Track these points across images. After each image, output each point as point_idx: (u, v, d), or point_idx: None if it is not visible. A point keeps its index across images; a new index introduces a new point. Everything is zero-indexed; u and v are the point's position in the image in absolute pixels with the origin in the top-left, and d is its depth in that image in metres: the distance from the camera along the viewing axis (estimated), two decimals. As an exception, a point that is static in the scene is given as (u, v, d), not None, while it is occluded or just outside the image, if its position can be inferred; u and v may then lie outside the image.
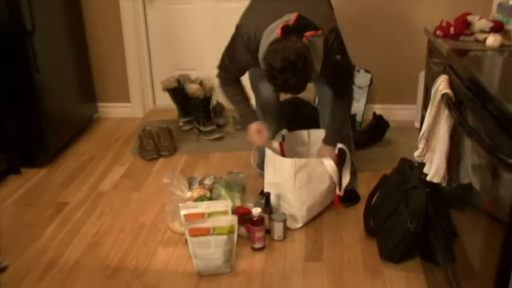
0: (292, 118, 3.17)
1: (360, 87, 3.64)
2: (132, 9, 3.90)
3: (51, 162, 3.40)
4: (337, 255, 2.42)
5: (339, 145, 2.61)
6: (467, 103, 1.67)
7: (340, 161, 2.62)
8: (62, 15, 3.58)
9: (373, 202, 2.59)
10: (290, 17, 2.21)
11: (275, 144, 2.70)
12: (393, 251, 2.30)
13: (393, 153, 3.29)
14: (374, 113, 3.52)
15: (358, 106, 3.66)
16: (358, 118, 3.65)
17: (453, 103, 1.71)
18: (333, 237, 2.55)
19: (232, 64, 2.52)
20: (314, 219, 2.67)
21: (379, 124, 3.45)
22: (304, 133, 2.86)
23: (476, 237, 1.60)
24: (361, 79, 3.64)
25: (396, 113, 3.77)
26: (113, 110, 4.17)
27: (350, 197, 2.81)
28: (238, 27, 2.44)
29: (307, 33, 2.16)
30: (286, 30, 2.16)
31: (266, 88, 2.61)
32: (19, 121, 3.24)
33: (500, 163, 1.33)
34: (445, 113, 1.76)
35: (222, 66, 2.59)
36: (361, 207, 2.66)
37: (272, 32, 2.21)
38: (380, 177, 2.61)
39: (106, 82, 4.10)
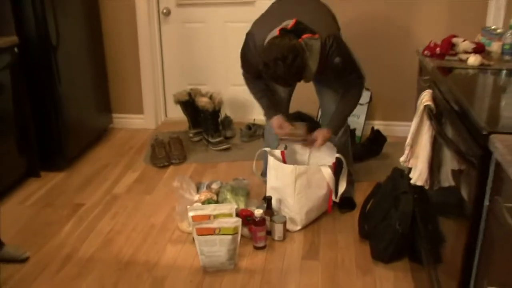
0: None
1: (360, 104, 3.85)
2: (148, 27, 4.16)
3: (68, 166, 3.63)
4: (332, 255, 2.61)
5: (337, 155, 2.82)
6: (446, 114, 1.89)
7: (337, 170, 2.82)
8: (84, 31, 3.85)
9: (367, 208, 2.79)
10: (289, 22, 2.47)
11: (281, 147, 2.91)
12: (383, 252, 2.50)
13: (389, 166, 3.43)
14: (372, 128, 3.74)
15: (358, 122, 3.87)
16: (358, 133, 3.86)
17: (434, 114, 1.93)
18: (329, 239, 2.75)
19: (246, 64, 2.80)
20: (312, 223, 2.87)
21: (377, 139, 3.66)
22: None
23: (453, 238, 1.79)
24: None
25: (394, 129, 3.97)
26: (127, 121, 4.41)
27: (346, 204, 3.01)
28: (247, 35, 2.74)
29: (304, 36, 2.41)
30: (284, 31, 2.43)
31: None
32: (40, 128, 3.48)
33: (469, 166, 1.54)
34: (427, 123, 1.97)
35: (242, 66, 2.88)
36: (356, 213, 2.85)
37: (273, 35, 2.47)
38: (374, 185, 2.82)
39: (122, 95, 4.35)
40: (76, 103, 3.72)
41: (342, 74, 2.72)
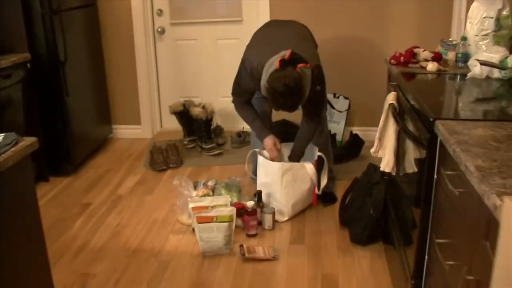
0: (282, 135, 3.76)
1: (340, 111, 4.26)
2: (144, 44, 4.53)
3: (74, 172, 3.97)
4: (316, 240, 2.97)
5: (318, 153, 3.19)
6: (406, 110, 2.27)
7: (319, 166, 3.19)
8: (87, 48, 4.21)
9: (346, 200, 3.15)
10: (285, 53, 2.81)
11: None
12: (360, 235, 2.86)
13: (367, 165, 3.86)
14: (351, 132, 4.13)
15: (338, 128, 4.26)
16: (338, 137, 4.24)
17: (397, 111, 2.32)
18: (313, 227, 3.10)
19: (240, 89, 3.15)
20: (298, 214, 3.23)
21: (356, 142, 4.04)
22: (290, 144, 3.43)
23: (413, 211, 2.16)
24: (340, 104, 4.26)
25: (371, 134, 4.30)
26: (125, 132, 4.76)
27: (329, 198, 3.38)
28: (243, 61, 3.09)
29: (300, 65, 2.76)
30: (283, 62, 2.76)
31: (258, 106, 3.27)
32: (49, 136, 3.81)
33: (422, 148, 1.92)
34: (392, 119, 2.36)
35: (234, 93, 3.23)
36: (337, 205, 3.21)
37: (272, 64, 2.81)
38: (352, 180, 3.19)
39: (120, 107, 4.71)
40: (81, 114, 4.07)
41: (315, 102, 3.06)
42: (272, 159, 3.18)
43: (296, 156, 3.23)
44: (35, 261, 1.89)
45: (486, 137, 1.63)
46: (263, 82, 2.83)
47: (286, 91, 2.68)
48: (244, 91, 3.16)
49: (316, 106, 3.14)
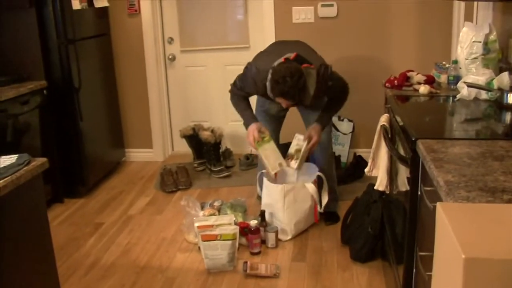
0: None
1: (344, 134, 4.38)
2: (155, 71, 4.72)
3: (88, 193, 4.13)
4: (317, 257, 3.07)
5: (318, 173, 3.31)
6: (397, 131, 2.39)
7: (319, 185, 3.30)
8: (100, 75, 4.41)
9: (348, 219, 3.25)
10: (291, 55, 2.98)
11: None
12: (359, 252, 2.96)
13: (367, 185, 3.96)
14: (355, 154, 4.24)
15: (343, 150, 4.38)
16: (343, 159, 4.36)
17: (387, 132, 2.44)
18: (315, 245, 3.21)
19: (242, 85, 3.27)
20: (301, 233, 3.33)
21: (359, 164, 4.15)
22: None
23: (403, 228, 2.26)
24: (345, 126, 4.38)
25: (375, 155, 4.46)
26: (138, 155, 4.93)
27: (331, 217, 3.48)
28: (250, 63, 3.23)
29: (304, 65, 2.91)
30: (288, 60, 2.93)
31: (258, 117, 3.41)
32: (64, 159, 3.99)
33: (406, 166, 2.04)
34: (383, 139, 2.48)
35: (234, 85, 3.36)
36: (339, 225, 3.32)
37: (278, 61, 2.96)
38: (353, 199, 3.30)
39: (133, 131, 4.89)
40: (95, 138, 4.25)
41: (334, 93, 3.26)
42: (250, 143, 3.26)
43: (324, 120, 3.33)
44: (45, 274, 2.03)
45: (461, 154, 1.75)
46: (267, 83, 2.94)
47: (286, 75, 2.81)
48: (244, 88, 3.27)
49: (338, 91, 3.29)
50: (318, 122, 3.31)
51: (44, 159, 1.90)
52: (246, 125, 3.33)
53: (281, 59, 2.95)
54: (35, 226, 1.92)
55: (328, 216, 3.45)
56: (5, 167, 1.76)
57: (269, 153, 3.24)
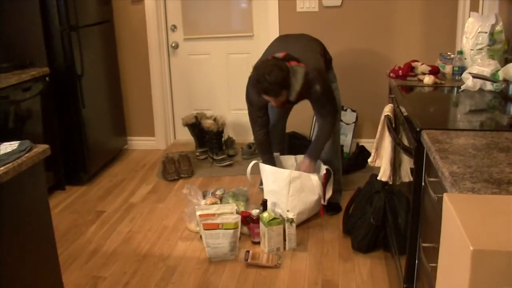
0: (292, 148, 3.90)
1: (347, 124, 4.36)
2: (158, 58, 4.70)
3: (89, 181, 4.13)
4: (319, 247, 3.07)
5: (325, 167, 3.30)
6: (400, 122, 2.38)
7: (327, 179, 3.29)
8: (103, 62, 4.39)
9: (350, 209, 3.24)
10: (280, 54, 2.99)
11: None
12: (361, 242, 2.95)
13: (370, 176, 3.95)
14: (357, 144, 4.22)
15: (346, 140, 4.36)
16: (346, 149, 4.34)
17: (391, 123, 2.42)
18: (317, 235, 3.20)
19: (251, 108, 3.26)
20: (303, 223, 3.32)
21: (362, 154, 4.14)
22: (292, 157, 3.56)
23: (406, 219, 2.25)
24: (348, 117, 4.36)
25: (378, 146, 4.44)
26: (140, 143, 4.92)
27: (334, 207, 3.47)
28: (249, 78, 3.19)
29: (292, 62, 2.92)
30: (275, 57, 2.94)
31: (272, 116, 3.41)
32: (66, 147, 3.98)
33: (411, 157, 2.02)
34: (387, 129, 2.46)
35: (250, 120, 3.34)
36: (341, 215, 3.30)
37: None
38: (356, 189, 3.28)
39: (135, 119, 4.87)
40: (97, 126, 4.23)
41: (320, 101, 3.17)
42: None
43: (313, 154, 3.29)
44: (47, 261, 2.03)
45: (466, 145, 1.73)
46: None
47: (266, 70, 2.84)
48: (255, 109, 3.27)
49: (322, 106, 3.20)
50: (308, 156, 3.30)
51: (45, 146, 1.89)
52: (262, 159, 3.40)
53: (269, 57, 2.96)
54: (36, 213, 1.91)
55: (330, 206, 3.44)
56: (6, 153, 1.75)
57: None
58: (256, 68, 2.92)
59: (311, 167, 3.27)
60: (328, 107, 3.22)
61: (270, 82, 2.84)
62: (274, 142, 3.50)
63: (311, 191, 3.25)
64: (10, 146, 1.81)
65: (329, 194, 3.35)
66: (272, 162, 3.38)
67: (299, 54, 3.07)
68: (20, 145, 1.82)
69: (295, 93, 2.95)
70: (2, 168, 1.65)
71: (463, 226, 0.92)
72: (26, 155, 1.78)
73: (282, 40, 3.47)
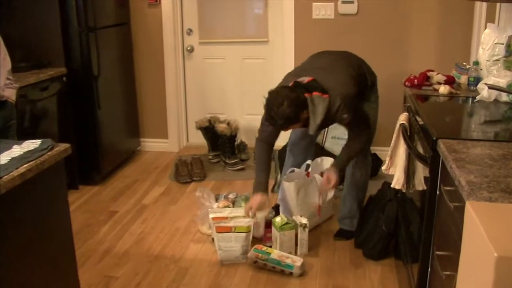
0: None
1: (360, 131, 4.36)
2: (174, 61, 4.74)
3: (103, 181, 4.16)
4: (330, 254, 3.08)
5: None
6: (416, 131, 2.39)
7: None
8: (119, 64, 4.43)
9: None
10: (305, 79, 2.74)
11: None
12: (373, 249, 2.96)
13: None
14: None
15: (358, 147, 4.37)
16: (358, 156, 4.34)
17: (406, 131, 2.44)
18: (329, 242, 3.22)
19: (262, 127, 3.10)
20: (314, 229, 3.33)
21: (374, 161, 4.13)
22: (329, 159, 3.50)
23: (419, 227, 2.26)
24: (361, 124, 4.37)
25: (390, 154, 4.45)
26: (153, 145, 4.96)
27: (347, 235, 3.29)
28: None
29: (314, 93, 2.70)
30: (297, 83, 2.73)
31: (294, 133, 3.37)
32: (80, 146, 4.02)
33: (426, 165, 2.04)
34: (402, 138, 2.47)
35: (259, 130, 3.16)
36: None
37: (286, 83, 2.80)
38: (368, 198, 3.30)
39: (149, 121, 4.92)
40: (111, 127, 4.28)
41: (351, 125, 2.94)
42: (245, 211, 3.05)
43: (339, 164, 3.07)
44: (64, 259, 2.06)
45: (483, 155, 1.74)
46: None
47: (275, 103, 2.62)
48: (265, 129, 3.07)
49: (354, 126, 2.96)
50: (335, 165, 3.09)
51: (67, 145, 1.92)
52: (253, 189, 3.09)
53: (291, 81, 2.75)
54: (56, 211, 1.95)
55: (343, 233, 3.30)
56: (29, 151, 1.79)
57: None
58: (269, 95, 2.69)
59: (338, 175, 3.04)
60: (361, 125, 3.00)
61: (277, 116, 2.63)
62: (296, 153, 3.44)
63: (315, 194, 3.27)
64: (32, 144, 1.85)
65: (329, 196, 3.39)
66: (263, 181, 3.09)
67: (325, 77, 2.80)
68: (42, 144, 1.86)
69: (315, 126, 2.70)
70: (25, 165, 1.69)
71: (487, 233, 0.93)
72: (48, 153, 1.81)
73: (315, 57, 3.22)
